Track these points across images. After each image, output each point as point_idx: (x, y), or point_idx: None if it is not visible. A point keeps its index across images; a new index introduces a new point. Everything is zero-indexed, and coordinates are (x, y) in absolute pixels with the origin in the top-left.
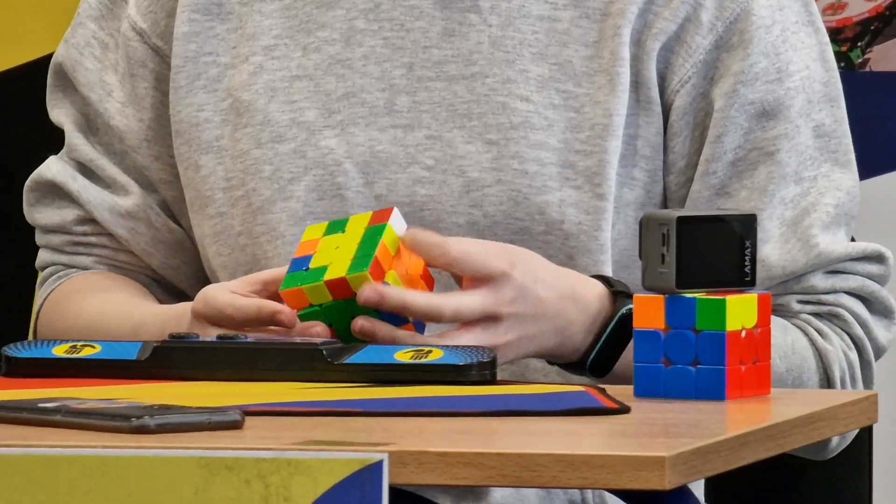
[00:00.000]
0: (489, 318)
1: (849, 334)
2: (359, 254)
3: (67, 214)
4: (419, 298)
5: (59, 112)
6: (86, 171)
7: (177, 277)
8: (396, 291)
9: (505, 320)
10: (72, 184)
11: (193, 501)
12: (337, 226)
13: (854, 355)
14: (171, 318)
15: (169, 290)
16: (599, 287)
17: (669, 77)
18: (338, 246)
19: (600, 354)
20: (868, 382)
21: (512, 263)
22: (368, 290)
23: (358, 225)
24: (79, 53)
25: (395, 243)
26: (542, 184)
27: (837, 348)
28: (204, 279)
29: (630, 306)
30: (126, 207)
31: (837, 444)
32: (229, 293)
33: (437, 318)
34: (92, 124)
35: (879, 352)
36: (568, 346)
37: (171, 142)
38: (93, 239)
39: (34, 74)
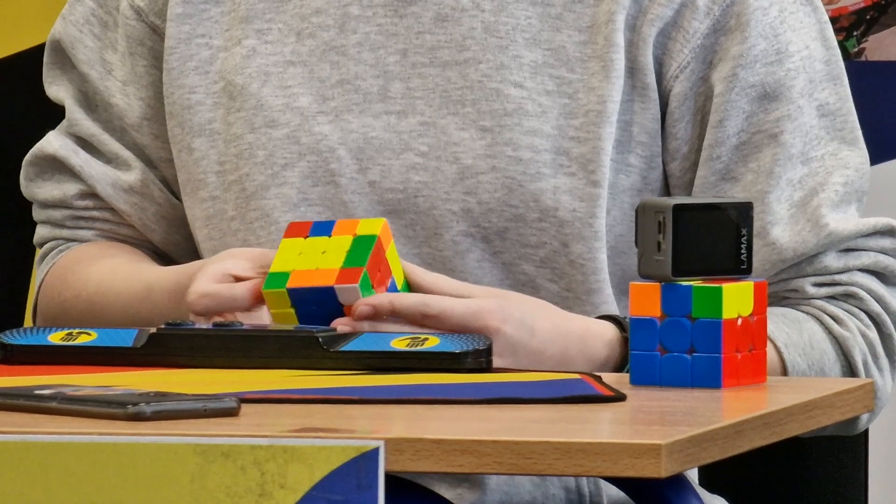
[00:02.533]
0: None
1: (865, 312)
2: (348, 262)
3: (69, 189)
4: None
5: (58, 88)
6: (87, 145)
7: (178, 253)
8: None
9: None
10: (74, 158)
11: (189, 488)
12: (322, 228)
13: (873, 333)
14: (185, 277)
15: (169, 264)
16: (608, 332)
17: (667, 63)
18: (325, 251)
19: None
20: (891, 353)
21: (503, 319)
22: (363, 306)
23: (345, 230)
24: (78, 31)
25: (387, 253)
26: (536, 171)
27: (855, 332)
28: (203, 256)
29: None
30: (129, 182)
31: (868, 419)
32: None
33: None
34: (91, 101)
35: None
36: None
37: None
38: (95, 213)
39: (30, 63)
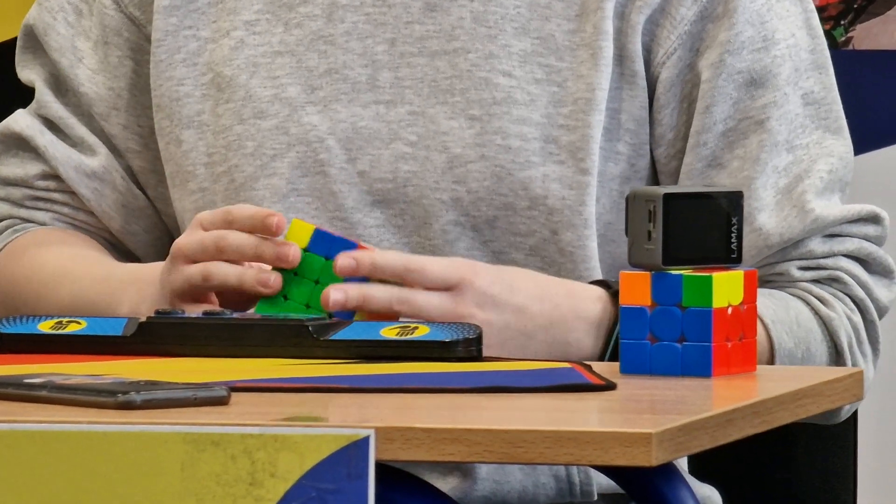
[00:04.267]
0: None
1: (850, 297)
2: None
3: (31, 168)
4: (380, 287)
5: (30, 72)
6: (54, 127)
7: (134, 243)
8: (369, 259)
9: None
10: (39, 138)
11: (180, 477)
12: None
13: (857, 317)
14: (146, 269)
15: (125, 255)
16: (597, 290)
17: (655, 49)
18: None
19: (614, 355)
20: (874, 342)
21: (475, 272)
22: (343, 258)
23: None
24: (52, 17)
25: None
26: (526, 159)
27: (841, 314)
28: (161, 248)
29: None
30: (92, 167)
31: (848, 409)
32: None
33: (396, 307)
34: (61, 86)
35: (882, 311)
36: (576, 354)
37: (141, 112)
38: (55, 195)
39: (8, 53)
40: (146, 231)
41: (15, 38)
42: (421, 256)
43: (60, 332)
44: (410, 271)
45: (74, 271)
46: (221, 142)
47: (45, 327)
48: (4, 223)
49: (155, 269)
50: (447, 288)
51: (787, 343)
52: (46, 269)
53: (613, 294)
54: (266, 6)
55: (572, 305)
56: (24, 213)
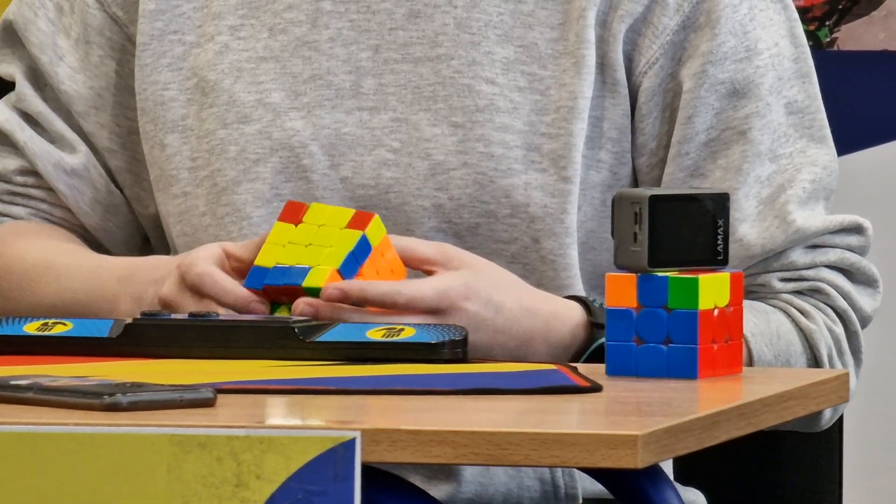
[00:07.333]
0: None
1: (832, 308)
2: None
3: (10, 163)
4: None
5: (9, 66)
6: (33, 122)
7: (109, 240)
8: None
9: None
10: (19, 133)
11: (166, 479)
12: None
13: (839, 328)
14: (142, 267)
15: (98, 251)
16: (576, 317)
17: (636, 59)
18: (310, 243)
19: None
20: (856, 352)
21: (467, 296)
22: (332, 289)
23: (332, 219)
24: (32, 13)
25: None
26: (508, 167)
27: (821, 326)
28: (133, 245)
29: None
30: (71, 165)
31: (830, 416)
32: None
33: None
34: (40, 81)
35: (865, 321)
36: None
37: (120, 112)
38: (33, 191)
39: None
40: (120, 228)
41: None
42: (411, 285)
43: (46, 333)
44: (399, 304)
45: (58, 263)
46: (205, 146)
47: (31, 329)
48: None
49: (147, 264)
50: (434, 312)
51: (766, 356)
52: (27, 259)
53: (589, 323)
54: (250, 11)
55: (546, 335)
56: (1, 207)
